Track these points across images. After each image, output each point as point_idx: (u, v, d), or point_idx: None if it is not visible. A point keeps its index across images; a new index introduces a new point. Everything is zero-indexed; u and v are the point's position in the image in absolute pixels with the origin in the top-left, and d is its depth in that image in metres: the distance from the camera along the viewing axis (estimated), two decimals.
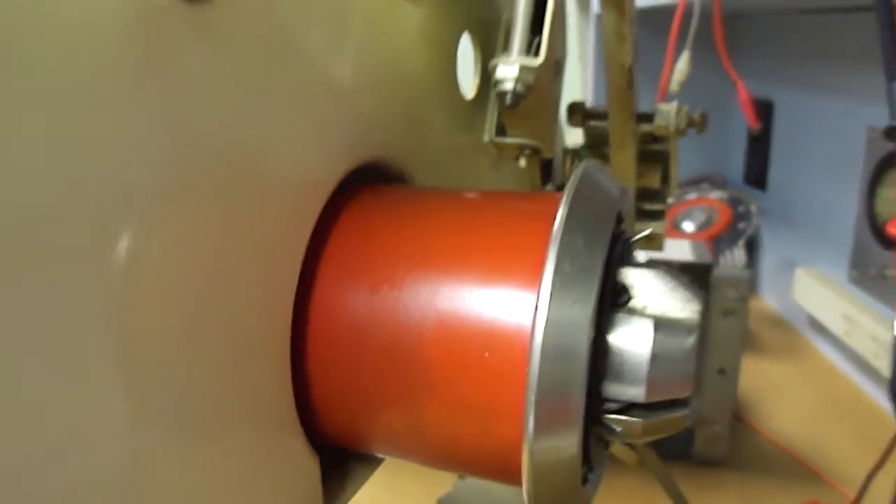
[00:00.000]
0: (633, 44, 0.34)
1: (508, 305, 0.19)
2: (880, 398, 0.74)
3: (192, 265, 0.17)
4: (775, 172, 1.02)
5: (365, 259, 0.21)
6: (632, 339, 0.19)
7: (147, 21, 0.15)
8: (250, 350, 0.19)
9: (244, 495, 0.20)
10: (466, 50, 0.31)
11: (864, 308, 0.75)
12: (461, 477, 0.54)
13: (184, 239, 0.17)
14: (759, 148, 1.05)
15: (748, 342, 0.86)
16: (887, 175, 0.73)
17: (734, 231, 0.96)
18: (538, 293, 0.18)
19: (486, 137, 0.33)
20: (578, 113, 0.41)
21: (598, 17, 0.95)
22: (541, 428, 0.18)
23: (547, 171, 0.41)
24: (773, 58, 0.99)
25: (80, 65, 0.14)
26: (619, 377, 0.19)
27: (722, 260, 0.92)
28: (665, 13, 0.68)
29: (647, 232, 0.21)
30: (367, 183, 0.24)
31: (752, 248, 1.01)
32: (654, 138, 0.41)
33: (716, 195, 1.04)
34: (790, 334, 0.92)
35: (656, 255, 0.54)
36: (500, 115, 0.32)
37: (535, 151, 0.33)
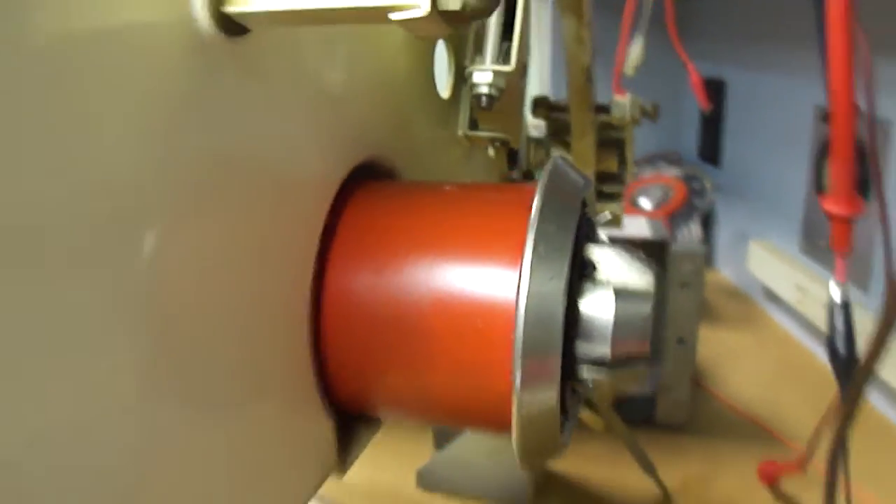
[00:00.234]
0: (591, 45, 0.37)
1: (495, 282, 0.22)
2: None
3: (224, 257, 0.20)
4: (729, 149, 1.03)
5: (369, 246, 0.24)
6: (598, 307, 0.22)
7: (196, 53, 0.18)
8: (276, 328, 0.22)
9: (271, 458, 0.23)
10: (441, 53, 0.34)
11: (815, 277, 0.77)
12: (438, 448, 0.57)
13: (215, 233, 0.19)
14: (712, 125, 1.05)
15: (706, 313, 0.87)
16: None
17: (690, 207, 0.96)
18: (520, 271, 0.21)
19: (460, 132, 0.36)
20: (542, 107, 0.44)
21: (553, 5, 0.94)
22: (526, 382, 0.21)
23: (512, 159, 0.43)
24: (724, 38, 0.99)
25: (140, 85, 0.16)
26: (589, 338, 0.22)
27: (679, 235, 0.92)
28: None
29: (609, 217, 0.25)
30: (363, 180, 0.27)
31: (707, 222, 1.02)
32: (611, 126, 0.44)
33: (671, 172, 1.04)
34: (746, 304, 0.93)
35: (616, 232, 0.55)
36: (472, 110, 0.35)
37: (504, 143, 0.37)
